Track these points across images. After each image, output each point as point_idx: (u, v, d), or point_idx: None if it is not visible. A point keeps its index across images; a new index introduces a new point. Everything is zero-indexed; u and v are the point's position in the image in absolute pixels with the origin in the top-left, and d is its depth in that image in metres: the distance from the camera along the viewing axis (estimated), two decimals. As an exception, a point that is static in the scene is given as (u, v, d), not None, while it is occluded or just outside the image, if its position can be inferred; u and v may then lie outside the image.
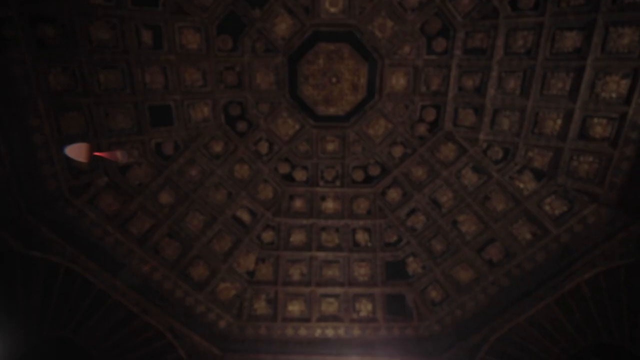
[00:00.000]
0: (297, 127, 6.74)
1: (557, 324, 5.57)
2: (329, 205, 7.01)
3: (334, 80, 6.37)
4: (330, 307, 6.68)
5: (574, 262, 5.53)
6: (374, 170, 6.92)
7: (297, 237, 6.93)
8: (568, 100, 5.62)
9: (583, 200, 5.73)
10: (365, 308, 6.68)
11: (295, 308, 6.63)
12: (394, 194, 6.90)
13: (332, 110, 6.66)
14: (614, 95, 5.38)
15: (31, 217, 5.09)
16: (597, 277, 5.28)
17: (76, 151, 5.57)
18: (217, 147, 6.56)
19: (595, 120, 5.56)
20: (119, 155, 5.71)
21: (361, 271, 6.86)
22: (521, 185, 6.19)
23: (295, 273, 6.84)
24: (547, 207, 5.99)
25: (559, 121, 5.76)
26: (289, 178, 6.93)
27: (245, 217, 6.78)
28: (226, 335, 6.27)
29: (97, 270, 5.40)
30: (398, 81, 6.38)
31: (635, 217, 5.18)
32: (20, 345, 5.07)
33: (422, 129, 6.60)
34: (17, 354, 5.05)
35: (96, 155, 5.71)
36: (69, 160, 5.55)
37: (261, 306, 6.60)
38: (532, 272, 5.94)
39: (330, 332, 6.50)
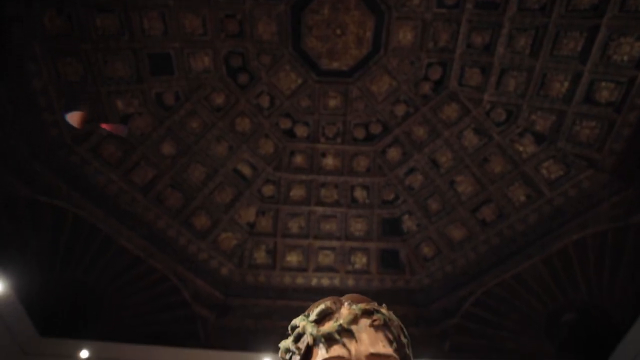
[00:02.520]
0: (300, 81, 6.61)
1: (541, 281, 5.88)
2: (329, 161, 7.07)
3: (338, 32, 6.15)
4: (326, 258, 6.99)
5: (564, 224, 5.71)
6: (376, 128, 6.90)
7: (297, 192, 7.08)
8: (578, 61, 5.48)
9: (580, 165, 5.78)
10: (360, 261, 6.99)
11: (293, 259, 6.94)
12: (394, 153, 6.94)
13: (335, 65, 6.50)
14: (625, 58, 5.24)
15: (36, 164, 5.18)
16: (585, 239, 5.48)
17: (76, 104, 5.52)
18: (219, 99, 6.49)
19: (603, 84, 5.46)
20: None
21: (358, 226, 7.08)
22: (521, 149, 6.21)
23: (294, 226, 7.07)
24: (544, 171, 6.06)
25: (566, 84, 5.65)
26: (290, 133, 6.93)
27: (246, 170, 6.88)
28: (228, 282, 6.62)
29: (103, 216, 5.59)
30: (405, 36, 6.16)
31: (629, 183, 5.27)
32: (34, 285, 5.39)
33: (426, 87, 6.48)
34: (32, 293, 5.37)
35: (97, 104, 5.68)
36: (69, 107, 5.53)
37: (261, 256, 6.89)
38: (523, 232, 6.14)
39: (325, 282, 6.86)
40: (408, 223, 6.99)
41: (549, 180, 6.03)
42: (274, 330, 6.13)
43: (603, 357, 5.84)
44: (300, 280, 6.86)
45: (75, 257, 5.63)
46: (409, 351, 0.73)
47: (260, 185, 6.96)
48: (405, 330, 0.75)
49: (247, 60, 6.34)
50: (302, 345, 0.71)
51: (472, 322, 6.15)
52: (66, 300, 5.64)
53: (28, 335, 5.45)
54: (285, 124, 6.87)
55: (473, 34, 5.93)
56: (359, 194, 7.11)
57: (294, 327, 0.72)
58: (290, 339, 0.72)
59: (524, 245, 5.98)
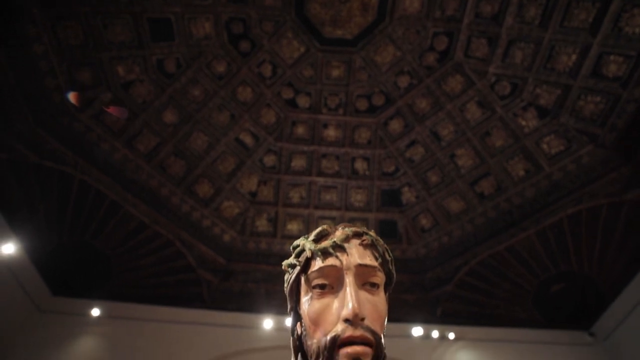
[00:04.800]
0: (302, 49, 6.50)
1: (534, 253, 6.05)
2: (331, 133, 7.09)
3: (343, -2, 5.97)
4: (326, 228, 7.16)
5: (560, 199, 5.80)
6: (378, 100, 6.86)
7: (298, 163, 7.15)
8: (588, 33, 5.35)
9: (581, 140, 5.79)
10: (359, 230, 7.15)
11: (294, 227, 7.13)
12: (395, 125, 6.93)
13: (339, 33, 6.36)
14: (637, 30, 5.10)
15: (41, 130, 5.24)
16: (580, 213, 5.59)
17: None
18: (220, 67, 6.42)
19: (612, 57, 5.36)
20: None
21: (357, 197, 7.21)
22: (523, 123, 6.19)
23: (295, 196, 7.20)
24: (544, 146, 6.07)
25: (574, 56, 5.54)
26: (292, 103, 6.90)
27: (247, 140, 6.92)
28: (230, 248, 6.84)
29: (108, 183, 5.72)
30: (412, 3, 5.99)
31: (628, 159, 5.30)
32: (45, 247, 5.62)
33: (431, 58, 6.37)
34: (43, 255, 5.61)
35: (98, 70, 5.65)
36: (71, 72, 5.52)
37: (262, 224, 7.08)
38: (520, 206, 6.25)
39: (325, 250, 7.07)
40: (407, 195, 7.11)
41: (549, 155, 6.06)
42: (274, 293, 6.42)
43: (588, 325, 6.15)
44: (300, 247, 7.06)
45: (83, 221, 5.82)
46: (392, 268, 0.91)
47: (261, 155, 7.03)
48: (389, 251, 0.92)
49: (248, 27, 6.21)
50: (302, 259, 0.85)
51: (464, 290, 6.41)
52: (76, 262, 5.89)
53: (42, 294, 5.75)
54: (288, 93, 6.83)
55: (482, 2, 5.75)
56: (360, 165, 7.18)
57: (296, 247, 0.91)
58: (292, 256, 0.90)
59: (519, 218, 6.11)
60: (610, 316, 5.83)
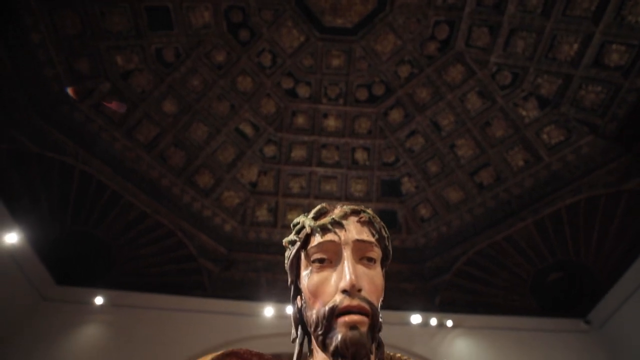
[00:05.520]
0: (302, 38, 6.45)
1: (531, 242, 6.11)
2: (331, 123, 7.08)
3: (343, -14, 5.90)
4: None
5: (559, 189, 5.83)
6: (378, 90, 6.83)
7: (298, 153, 7.16)
8: (590, 22, 5.30)
9: (582, 130, 5.78)
10: (358, 220, 7.20)
11: (294, 217, 7.13)
12: (395, 115, 6.92)
13: (339, 22, 6.30)
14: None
15: (40, 120, 5.24)
16: (578, 203, 5.63)
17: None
18: (219, 57, 6.38)
19: (614, 46, 5.32)
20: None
21: (357, 187, 7.24)
22: (524, 113, 6.18)
23: (295, 186, 7.23)
24: (544, 136, 6.07)
25: (576, 46, 5.50)
26: (292, 93, 6.87)
27: (248, 130, 6.91)
28: (231, 237, 6.90)
29: (109, 173, 5.74)
30: (413, -9, 5.92)
31: (627, 150, 5.31)
32: (47, 237, 5.67)
33: (432, 47, 6.32)
34: (46, 244, 5.66)
35: (96, 59, 5.61)
36: (69, 62, 5.48)
37: (263, 214, 7.12)
38: (519, 196, 6.28)
39: (325, 239, 7.13)
40: (407, 185, 7.13)
41: (549, 146, 6.07)
42: (275, 282, 6.50)
43: (584, 313, 6.24)
44: (300, 237, 7.12)
45: (84, 211, 5.86)
46: (388, 244, 0.95)
47: (261, 145, 7.03)
48: (386, 228, 0.95)
49: (248, 16, 6.15)
50: (302, 235, 0.89)
51: (463, 279, 6.48)
52: (79, 251, 5.95)
53: (46, 283, 5.82)
54: (288, 83, 6.79)
55: (484, -10, 5.69)
56: (360, 155, 7.18)
57: (296, 224, 0.95)
58: (292, 233, 0.95)
59: (518, 208, 6.15)
60: (606, 304, 5.91)
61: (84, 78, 5.66)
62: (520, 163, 6.31)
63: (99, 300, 5.84)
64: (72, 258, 5.93)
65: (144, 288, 6.15)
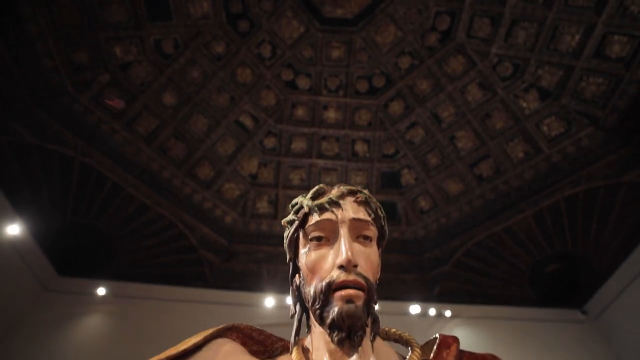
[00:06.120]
0: (302, 29, 6.39)
1: (530, 234, 6.15)
2: (331, 115, 7.06)
3: (343, -24, 5.84)
4: (326, 209, 7.22)
5: (558, 181, 5.84)
6: (379, 82, 6.79)
7: (298, 145, 7.15)
8: (593, 12, 5.26)
9: (582, 122, 5.78)
10: (358, 212, 7.22)
11: (294, 209, 7.19)
12: (396, 107, 6.90)
13: (339, 12, 6.24)
14: (642, 10, 5.02)
15: (40, 112, 5.22)
16: (577, 195, 5.65)
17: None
18: (219, 48, 6.34)
19: (616, 37, 5.29)
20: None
21: (357, 179, 7.25)
22: (524, 105, 6.16)
23: (295, 178, 7.24)
24: (544, 128, 6.07)
25: (578, 37, 5.47)
26: (291, 85, 6.84)
27: (247, 122, 6.90)
28: (232, 229, 6.94)
29: (109, 165, 5.74)
30: (414, -19, 5.86)
31: (627, 141, 5.31)
32: (49, 229, 5.70)
33: (432, 38, 6.28)
34: (48, 236, 5.69)
35: (95, 51, 5.58)
36: (68, 53, 5.45)
37: (263, 206, 7.15)
38: (518, 188, 6.30)
39: (325, 231, 7.16)
40: (407, 177, 7.14)
41: (549, 137, 6.06)
42: (275, 273, 6.56)
43: (581, 304, 6.31)
44: (300, 229, 7.15)
45: (85, 203, 5.88)
46: (384, 224, 0.98)
47: (261, 137, 7.02)
48: (382, 209, 0.98)
49: (247, 6, 6.09)
50: (301, 214, 0.91)
51: (461, 270, 6.54)
52: (81, 243, 5.99)
53: (48, 274, 5.87)
54: (287, 75, 6.76)
55: (485, -20, 5.63)
56: (360, 147, 7.18)
57: (294, 204, 0.97)
58: (291, 212, 0.97)
59: (517, 200, 6.17)
60: (602, 295, 5.98)
61: (83, 69, 5.63)
62: (520, 155, 6.32)
63: (101, 291, 5.89)
64: (74, 249, 5.97)
65: (145, 279, 6.21)
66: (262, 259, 6.76)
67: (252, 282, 6.52)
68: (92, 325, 5.74)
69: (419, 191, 7.09)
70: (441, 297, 6.50)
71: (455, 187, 6.83)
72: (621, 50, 5.29)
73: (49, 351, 5.24)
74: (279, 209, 7.18)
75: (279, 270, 6.52)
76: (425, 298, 6.48)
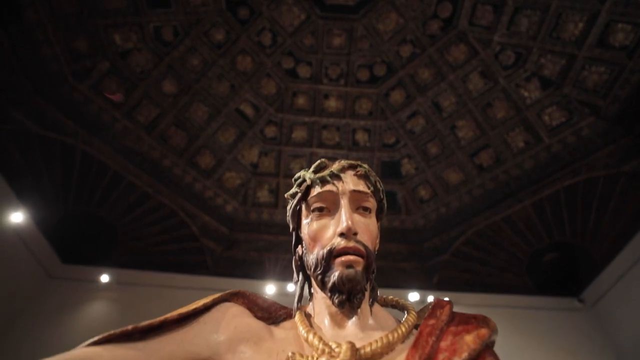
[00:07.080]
0: (303, 17, 6.32)
1: (529, 223, 6.19)
2: (332, 104, 7.03)
3: (345, -38, 5.74)
4: (326, 198, 7.26)
5: (558, 171, 5.86)
6: (380, 70, 6.75)
7: (299, 134, 7.15)
8: (596, 0, 5.19)
9: (583, 112, 5.76)
10: (358, 201, 7.26)
11: (294, 198, 7.22)
12: (397, 96, 6.86)
13: (340, -1, 6.16)
14: (647, -3, 4.95)
15: (41, 100, 5.21)
16: (577, 184, 5.67)
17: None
18: (219, 36, 6.28)
19: (620, 25, 5.23)
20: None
21: (358, 169, 7.26)
22: (526, 94, 6.13)
23: (296, 167, 7.25)
24: (546, 117, 6.05)
25: (581, 25, 5.41)
26: (292, 74, 6.80)
27: (248, 111, 6.88)
28: (233, 218, 6.99)
29: (110, 153, 5.76)
30: (416, -33, 5.77)
31: (628, 131, 5.30)
32: (52, 217, 5.74)
33: (434, 26, 6.21)
34: (51, 224, 5.74)
35: (94, 38, 5.54)
36: (67, 41, 5.41)
37: (264, 195, 7.18)
38: (518, 177, 6.32)
39: (325, 220, 7.21)
40: (407, 166, 7.16)
41: (550, 127, 6.05)
42: (276, 261, 6.63)
43: (578, 292, 6.39)
44: (301, 218, 7.19)
45: (87, 191, 5.91)
46: (383, 197, 1.02)
47: (262, 126, 7.01)
48: (381, 182, 1.00)
49: (247, -7, 6.01)
50: (303, 187, 0.96)
51: (460, 259, 6.61)
52: (84, 231, 6.05)
53: (51, 262, 5.95)
54: (288, 63, 6.71)
55: (489, -34, 5.54)
56: (361, 137, 7.18)
57: (297, 178, 1.02)
58: (294, 186, 1.01)
59: (517, 189, 6.19)
60: (599, 283, 6.05)
61: (83, 57, 5.60)
62: (521, 144, 6.31)
63: (104, 278, 5.97)
64: (77, 237, 6.03)
65: (148, 267, 6.28)
66: (263, 247, 6.82)
67: (253, 270, 6.60)
68: (95, 311, 5.83)
69: (419, 180, 7.11)
70: (440, 286, 6.58)
71: (455, 176, 6.85)
72: (625, 39, 5.24)
73: (54, 337, 5.34)
74: (279, 198, 7.21)
75: (280, 258, 6.59)
76: (424, 286, 6.56)
